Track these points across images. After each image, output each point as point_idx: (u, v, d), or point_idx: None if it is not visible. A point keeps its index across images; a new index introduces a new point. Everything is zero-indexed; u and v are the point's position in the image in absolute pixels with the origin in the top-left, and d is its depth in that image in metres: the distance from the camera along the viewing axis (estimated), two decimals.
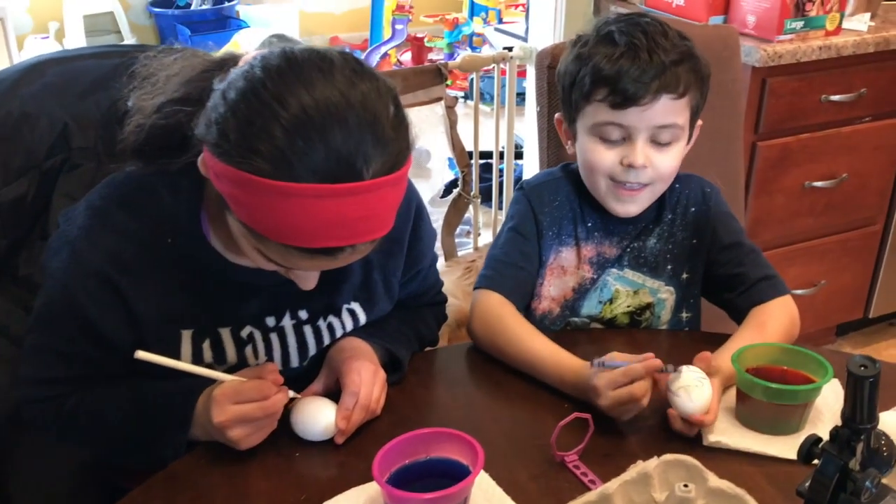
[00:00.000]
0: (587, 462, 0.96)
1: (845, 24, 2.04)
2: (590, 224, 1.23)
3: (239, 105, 0.80)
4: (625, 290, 1.25)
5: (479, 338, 1.17)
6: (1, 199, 1.09)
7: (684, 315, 1.28)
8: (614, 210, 1.19)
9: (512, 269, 1.20)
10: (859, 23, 2.05)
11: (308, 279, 0.94)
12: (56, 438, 1.05)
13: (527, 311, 1.24)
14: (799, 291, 2.28)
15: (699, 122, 1.20)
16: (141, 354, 0.91)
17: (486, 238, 2.87)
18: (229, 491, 0.93)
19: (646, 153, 1.12)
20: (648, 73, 1.08)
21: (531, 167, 2.74)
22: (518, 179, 2.91)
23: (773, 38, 1.96)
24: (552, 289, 1.24)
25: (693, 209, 1.23)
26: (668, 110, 1.11)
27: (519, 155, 2.94)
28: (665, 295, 1.25)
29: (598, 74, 1.11)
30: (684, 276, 1.25)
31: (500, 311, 1.15)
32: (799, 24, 1.98)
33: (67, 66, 1.18)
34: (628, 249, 1.23)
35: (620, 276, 1.24)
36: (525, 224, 1.22)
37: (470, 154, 2.58)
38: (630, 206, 1.18)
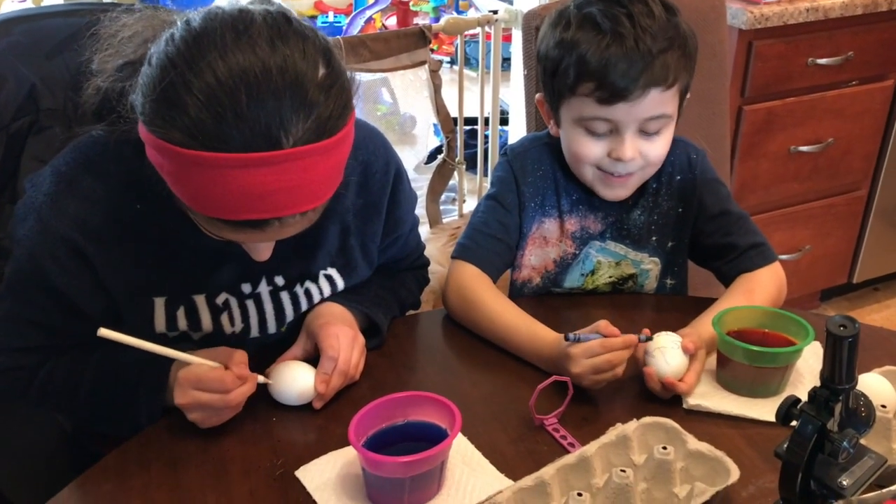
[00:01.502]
0: (566, 425, 0.95)
1: None
2: (574, 197, 1.20)
3: (157, 72, 0.78)
4: (606, 261, 1.23)
5: (453, 310, 1.15)
6: None
7: (669, 282, 1.27)
8: (603, 195, 1.17)
9: (490, 241, 1.18)
10: None
11: (259, 250, 0.91)
12: (31, 406, 1.03)
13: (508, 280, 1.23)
14: (784, 256, 2.27)
15: (687, 96, 1.16)
16: (104, 332, 0.88)
17: (471, 205, 2.84)
18: (204, 456, 0.92)
19: (634, 145, 1.09)
20: (636, 67, 1.04)
21: (517, 133, 2.71)
22: (504, 145, 2.90)
23: (759, 0, 1.94)
24: (533, 258, 1.22)
25: (678, 177, 1.20)
26: (657, 102, 1.07)
27: (504, 121, 2.91)
28: (649, 266, 1.24)
29: (582, 67, 1.06)
30: (669, 244, 1.23)
31: (475, 284, 1.14)
32: None
33: (34, 25, 1.14)
34: (609, 223, 1.21)
35: (603, 247, 1.23)
36: (507, 194, 1.20)
37: (455, 120, 2.55)
38: (619, 191, 1.16)
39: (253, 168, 0.75)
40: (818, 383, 0.72)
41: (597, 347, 0.97)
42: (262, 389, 0.97)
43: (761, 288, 1.14)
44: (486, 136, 2.74)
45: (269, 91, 0.75)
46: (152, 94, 0.77)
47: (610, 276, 1.24)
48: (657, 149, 1.12)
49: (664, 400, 0.99)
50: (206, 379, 0.91)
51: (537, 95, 1.20)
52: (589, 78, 1.06)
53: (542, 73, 1.15)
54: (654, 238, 1.22)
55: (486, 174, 2.78)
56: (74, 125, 1.05)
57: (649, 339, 1.00)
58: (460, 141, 2.61)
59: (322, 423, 0.97)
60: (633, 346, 0.99)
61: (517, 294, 1.24)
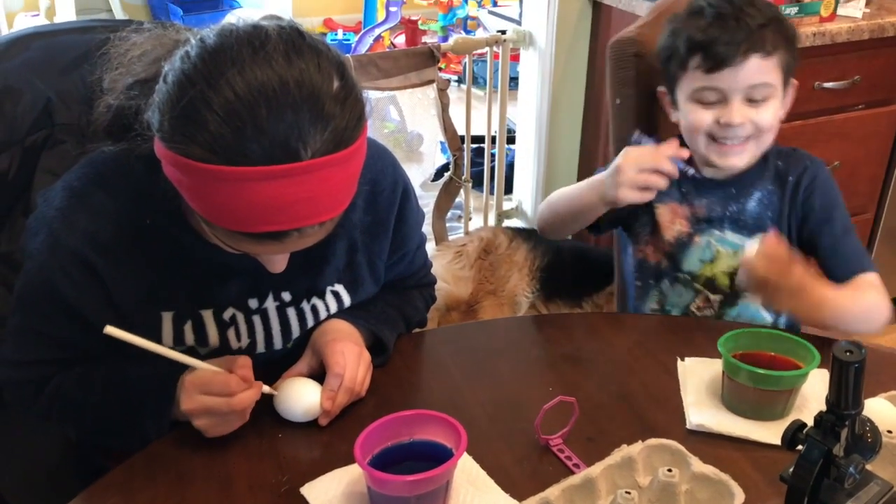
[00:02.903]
0: (571, 446, 0.95)
1: (840, 11, 2.02)
2: (691, 183, 1.30)
3: (174, 89, 0.79)
4: (725, 251, 1.29)
5: (541, 219, 1.39)
6: None
7: None
8: (717, 163, 1.25)
9: None
10: (854, 9, 2.04)
11: (275, 262, 0.92)
12: (39, 418, 1.04)
13: (630, 256, 1.39)
14: None
15: (794, 82, 1.26)
16: (110, 330, 0.88)
17: (477, 222, 2.85)
18: (209, 473, 0.92)
19: (742, 111, 1.20)
20: (738, 36, 1.17)
21: (524, 152, 2.72)
22: (511, 164, 2.91)
23: None
24: (652, 238, 1.34)
25: (791, 178, 1.28)
26: (759, 69, 1.18)
27: (511, 140, 2.92)
28: None
29: (691, 43, 1.20)
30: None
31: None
32: (794, 10, 1.97)
33: (51, 41, 1.16)
34: (727, 213, 1.29)
35: (721, 237, 1.29)
36: None
37: (462, 138, 2.57)
38: (733, 159, 1.24)
39: (273, 180, 0.76)
40: (823, 408, 0.72)
41: (647, 155, 1.18)
42: (269, 406, 0.98)
43: (866, 289, 1.20)
44: (493, 155, 2.76)
45: (287, 104, 0.76)
46: (171, 111, 0.78)
47: (729, 266, 1.30)
48: (764, 115, 1.21)
49: (669, 420, 0.99)
50: (211, 382, 0.92)
51: (659, 88, 1.32)
52: (696, 51, 1.20)
53: (660, 66, 1.29)
54: (769, 230, 1.28)
55: (492, 192, 2.80)
56: (86, 141, 1.07)
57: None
58: (467, 159, 2.62)
59: (327, 439, 0.97)
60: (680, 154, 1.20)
61: (636, 270, 1.38)
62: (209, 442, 0.94)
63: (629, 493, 0.82)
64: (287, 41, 0.79)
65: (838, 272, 1.22)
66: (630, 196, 1.19)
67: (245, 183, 0.76)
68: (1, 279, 1.11)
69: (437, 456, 0.85)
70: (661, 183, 1.19)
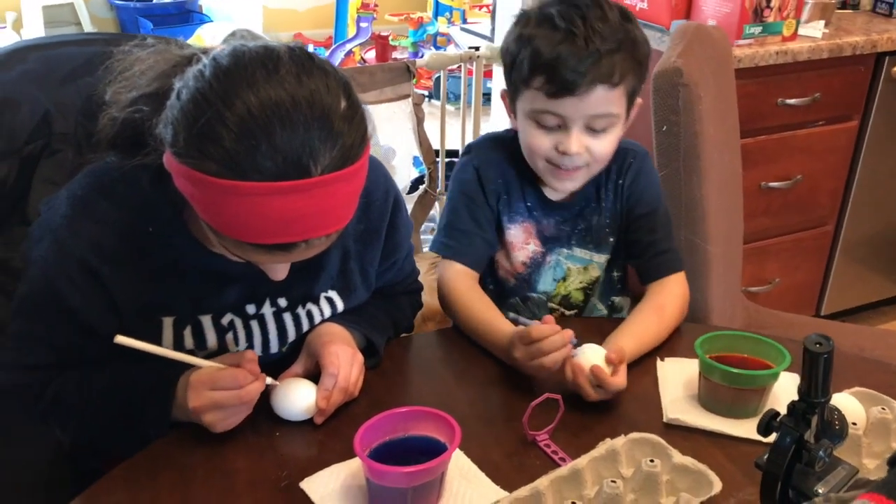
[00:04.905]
0: (557, 441, 1.00)
1: (801, 31, 2.12)
2: (539, 198, 1.28)
3: (188, 106, 0.82)
4: (575, 267, 1.31)
5: (441, 306, 1.27)
6: None
7: (616, 274, 1.35)
8: (552, 186, 1.25)
9: (467, 236, 1.27)
10: (814, 30, 2.13)
11: (277, 270, 0.96)
12: (38, 422, 1.06)
13: (484, 279, 1.31)
14: (753, 288, 2.36)
15: (638, 101, 1.21)
16: (120, 339, 0.92)
17: None
18: (210, 469, 0.95)
19: (580, 141, 1.16)
20: (584, 63, 1.10)
21: None
22: None
23: (732, 42, 2.03)
24: (503, 259, 1.31)
25: (621, 181, 1.28)
26: (603, 100, 1.13)
27: None
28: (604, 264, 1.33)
29: (535, 61, 1.13)
30: (612, 240, 1.32)
31: (454, 282, 1.24)
32: (757, 30, 2.05)
33: (48, 53, 1.19)
34: (576, 231, 1.29)
35: (570, 254, 1.30)
36: (475, 193, 1.27)
37: (437, 152, 2.62)
38: (567, 184, 1.24)
39: (285, 195, 0.80)
40: None
41: (532, 332, 1.05)
42: (266, 405, 1.01)
43: (669, 301, 1.23)
44: None
45: (299, 123, 0.80)
46: (186, 127, 0.81)
47: (581, 282, 1.31)
48: (602, 146, 1.18)
49: (648, 417, 1.04)
50: (220, 377, 0.95)
51: (500, 90, 1.26)
52: (540, 71, 1.13)
53: (503, 67, 1.23)
54: (612, 239, 1.30)
55: None
56: (86, 151, 1.09)
57: (578, 342, 1.07)
58: (441, 172, 2.67)
59: (322, 437, 1.01)
60: (567, 339, 1.06)
61: (495, 296, 1.29)
62: (209, 440, 0.97)
63: (614, 482, 0.87)
64: (297, 62, 0.83)
65: (651, 274, 1.26)
66: (540, 375, 1.08)
67: (258, 197, 0.80)
68: (1, 289, 1.12)
69: (432, 450, 0.89)
70: (557, 360, 1.06)
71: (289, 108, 0.80)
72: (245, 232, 0.84)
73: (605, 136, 1.18)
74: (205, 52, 0.90)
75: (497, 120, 2.75)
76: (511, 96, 1.22)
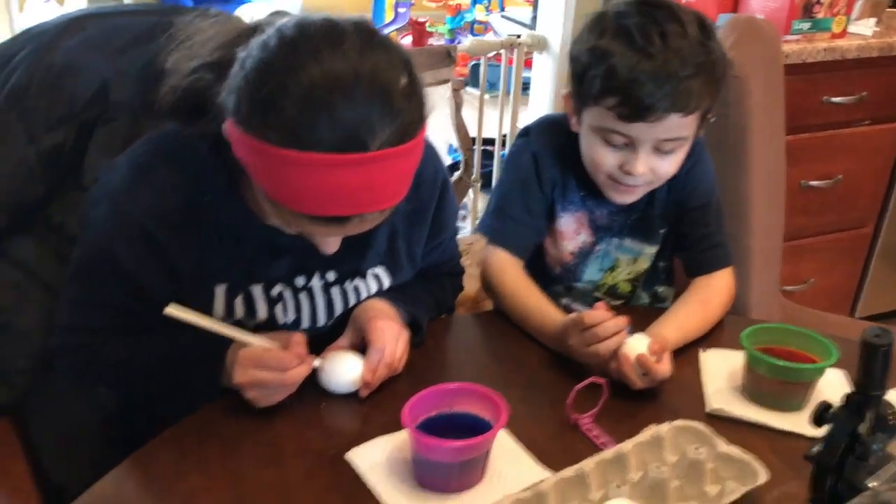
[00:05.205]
0: (599, 426, 1.00)
1: (851, 28, 2.09)
2: (585, 193, 1.26)
3: (252, 75, 0.83)
4: (625, 258, 1.30)
5: (486, 292, 1.27)
6: (41, 147, 1.12)
7: (661, 264, 1.34)
8: (610, 198, 1.23)
9: (515, 224, 1.26)
10: (864, 27, 2.11)
11: (328, 244, 0.97)
12: (91, 384, 1.08)
13: (531, 266, 1.29)
14: (788, 287, 2.34)
15: (709, 117, 1.18)
16: (170, 311, 0.94)
17: None
18: (257, 437, 0.96)
19: (647, 162, 1.14)
20: (661, 91, 1.06)
21: None
22: None
23: (780, 37, 2.01)
24: (552, 247, 1.30)
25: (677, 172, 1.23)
26: (676, 126, 1.11)
27: None
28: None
29: (609, 81, 1.09)
30: (662, 231, 1.31)
31: (499, 269, 1.24)
32: (806, 26, 2.03)
33: (107, 22, 1.20)
34: (629, 221, 1.28)
35: (621, 245, 1.29)
36: (530, 179, 1.26)
37: (472, 140, 2.62)
38: (626, 198, 1.23)
39: (342, 168, 0.81)
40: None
41: (587, 319, 1.05)
42: (311, 377, 1.02)
43: (714, 294, 1.22)
44: (503, 156, 2.81)
45: (360, 97, 0.81)
46: (249, 96, 0.82)
47: (629, 273, 1.31)
48: (668, 167, 1.17)
49: (690, 407, 1.04)
50: (267, 358, 0.96)
51: (564, 91, 1.22)
52: (613, 93, 1.09)
53: (571, 73, 1.19)
54: (662, 230, 1.29)
55: None
56: (143, 119, 1.11)
57: (631, 329, 1.07)
58: (477, 160, 2.68)
59: (367, 410, 1.02)
60: (622, 326, 1.05)
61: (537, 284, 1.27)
62: (256, 409, 0.99)
63: (661, 467, 0.87)
64: (362, 37, 0.84)
65: (700, 267, 1.26)
66: (591, 362, 1.08)
67: (315, 168, 0.81)
68: (54, 249, 1.15)
69: (476, 427, 0.90)
70: (611, 346, 1.05)
71: (351, 81, 0.81)
72: (301, 203, 0.85)
73: (672, 156, 1.16)
74: (269, 23, 0.91)
75: (535, 109, 2.74)
76: (576, 105, 1.19)
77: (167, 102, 0.96)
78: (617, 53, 1.08)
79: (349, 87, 0.81)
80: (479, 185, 2.74)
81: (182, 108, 0.95)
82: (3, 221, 1.13)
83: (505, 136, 2.78)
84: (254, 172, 0.87)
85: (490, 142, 2.89)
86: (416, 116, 0.86)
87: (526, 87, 2.80)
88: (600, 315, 1.05)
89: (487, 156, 3.10)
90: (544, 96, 2.67)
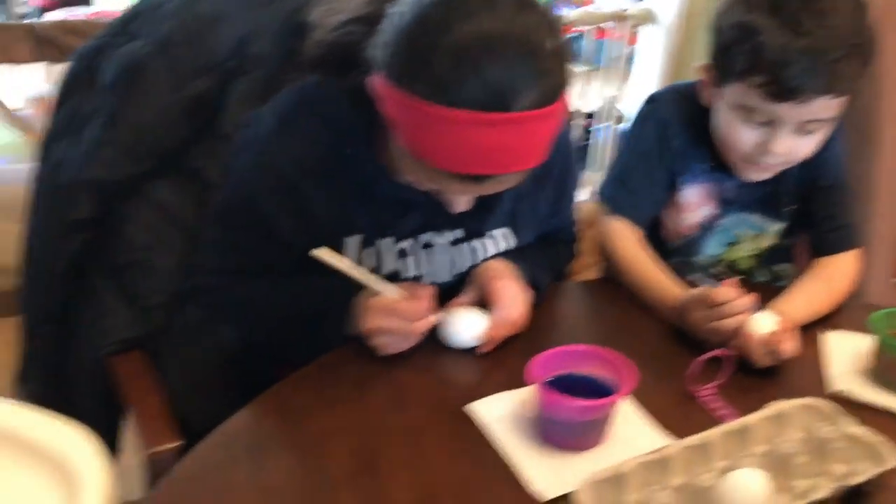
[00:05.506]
0: (722, 399, 0.99)
1: None
2: (713, 164, 1.23)
3: (405, 30, 0.84)
4: (749, 233, 1.27)
5: (604, 261, 1.27)
6: (186, 94, 1.16)
7: (785, 241, 1.31)
8: (743, 176, 1.20)
9: (634, 196, 1.25)
10: None
11: (459, 203, 0.99)
12: (223, 324, 1.13)
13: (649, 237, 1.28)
14: None
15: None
16: (317, 253, 0.97)
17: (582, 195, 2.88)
18: (386, 381, 1.00)
19: (788, 142, 1.10)
20: (812, 72, 1.02)
21: None
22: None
23: None
24: (670, 220, 1.28)
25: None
26: (823, 107, 1.07)
27: (620, 120, 2.94)
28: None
29: (757, 59, 1.04)
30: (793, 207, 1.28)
31: (617, 238, 1.24)
32: None
33: None
34: (756, 196, 1.25)
35: (746, 220, 1.27)
36: (653, 148, 1.24)
37: (571, 113, 2.61)
38: (760, 176, 1.20)
39: (486, 127, 0.82)
40: None
41: (716, 295, 1.03)
42: (430, 331, 1.05)
43: (840, 275, 1.20)
44: (597, 131, 2.78)
45: (510, 57, 0.82)
46: (398, 51, 0.84)
47: (751, 249, 1.28)
48: (808, 147, 1.13)
49: (810, 387, 1.02)
50: (396, 308, 0.99)
51: (701, 63, 1.18)
52: (760, 71, 1.05)
53: (713, 43, 1.14)
54: (791, 207, 1.26)
55: (594, 169, 2.83)
56: (281, 72, 1.15)
57: (759, 307, 1.05)
58: (577, 132, 2.66)
59: (487, 367, 1.04)
60: (750, 304, 1.03)
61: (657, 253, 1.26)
62: (382, 357, 1.02)
63: (787, 441, 0.86)
64: None
65: (826, 247, 1.22)
66: (712, 338, 1.06)
67: (460, 126, 0.82)
68: (192, 195, 1.20)
69: (599, 390, 0.91)
70: (739, 321, 1.04)
71: (502, 41, 0.82)
72: (442, 159, 0.86)
73: (813, 136, 1.12)
74: None
75: (639, 85, 2.70)
76: (716, 78, 1.15)
77: (312, 56, 0.98)
78: (766, 29, 1.04)
79: (500, 47, 0.82)
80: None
81: (328, 61, 0.98)
82: (146, 165, 1.19)
83: (597, 111, 2.75)
84: (398, 127, 0.88)
85: (590, 116, 2.86)
86: (561, 79, 0.87)
87: (628, 60, 2.76)
88: (729, 293, 1.04)
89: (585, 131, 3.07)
90: (651, 71, 2.62)
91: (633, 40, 2.76)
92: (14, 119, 2.17)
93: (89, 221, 1.19)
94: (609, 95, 2.73)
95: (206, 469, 0.86)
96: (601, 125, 2.78)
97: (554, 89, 0.85)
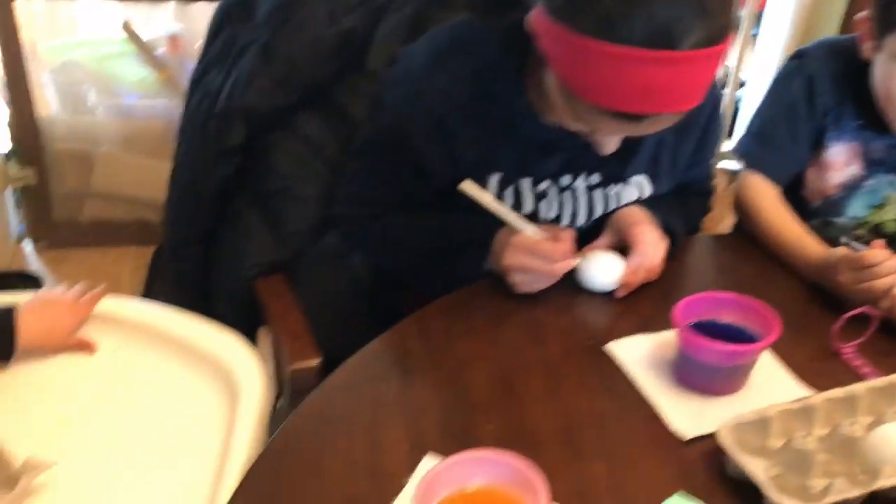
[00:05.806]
0: (864, 357, 0.98)
1: None
2: (863, 122, 1.19)
3: None
4: (895, 195, 1.23)
5: (740, 218, 1.26)
6: (339, 28, 1.20)
7: None
8: None
9: (776, 152, 1.23)
10: None
11: (608, 144, 0.98)
12: (363, 252, 1.17)
13: (787, 195, 1.25)
14: None
15: None
16: (465, 186, 0.99)
17: None
18: (522, 317, 1.02)
19: None
20: None
21: (753, 102, 2.66)
22: (736, 112, 2.86)
23: None
24: (813, 179, 1.25)
25: None
26: None
27: (739, 85, 2.86)
28: None
29: None
30: None
31: (755, 195, 1.23)
32: None
33: None
34: None
35: (893, 180, 1.22)
36: (800, 104, 1.21)
37: None
38: None
39: (652, 64, 0.81)
40: None
41: (866, 258, 1.01)
42: (567, 273, 1.06)
43: None
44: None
45: None
46: None
47: None
48: None
49: None
50: (538, 247, 1.00)
51: (860, 14, 1.14)
52: None
53: None
54: None
55: None
56: (429, 9, 1.16)
57: None
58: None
59: (621, 310, 1.04)
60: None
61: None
62: (513, 296, 1.04)
63: None
64: None
65: None
66: (859, 299, 1.03)
67: (625, 62, 0.82)
68: (335, 128, 1.24)
69: (740, 338, 0.91)
70: (885, 288, 1.01)
71: None
72: (604, 96, 0.86)
73: None
74: None
75: (768, 46, 2.62)
76: (878, 27, 1.11)
77: None
78: None
79: None
80: None
81: (483, 0, 0.99)
82: (294, 97, 1.23)
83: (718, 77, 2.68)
84: (556, 64, 0.89)
85: None
86: (726, 21, 0.85)
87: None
88: (881, 254, 1.01)
89: None
90: (779, 32, 2.54)
91: (762, 4, 2.68)
92: (151, 57, 2.27)
93: (239, 148, 1.24)
94: (730, 62, 2.65)
95: (357, 382, 0.90)
96: (723, 91, 2.71)
97: (720, 30, 0.84)
